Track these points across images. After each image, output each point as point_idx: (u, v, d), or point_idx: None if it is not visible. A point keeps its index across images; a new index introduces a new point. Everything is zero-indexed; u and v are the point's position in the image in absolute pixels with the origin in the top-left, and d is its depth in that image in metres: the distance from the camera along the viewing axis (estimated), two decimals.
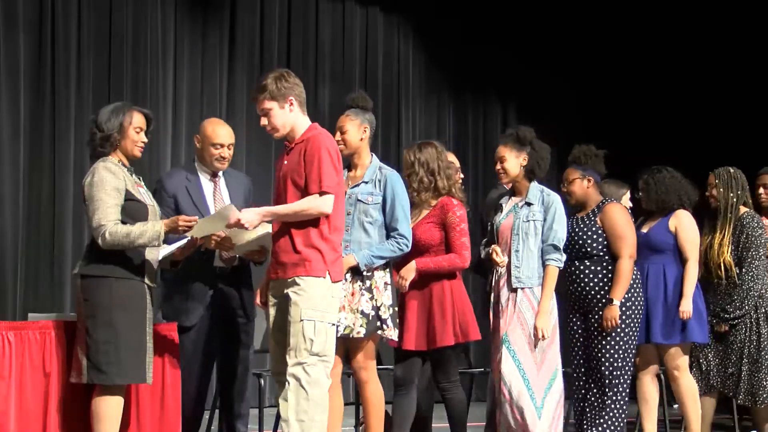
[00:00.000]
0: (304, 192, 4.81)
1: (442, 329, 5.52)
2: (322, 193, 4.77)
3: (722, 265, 6.56)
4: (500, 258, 5.70)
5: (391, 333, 5.32)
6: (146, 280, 4.95)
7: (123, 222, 4.86)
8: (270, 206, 4.93)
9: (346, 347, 5.36)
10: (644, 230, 6.38)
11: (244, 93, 9.31)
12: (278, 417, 6.57)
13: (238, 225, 4.84)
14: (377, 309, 5.27)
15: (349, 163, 5.48)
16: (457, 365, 5.77)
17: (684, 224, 6.32)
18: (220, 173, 5.78)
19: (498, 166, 5.82)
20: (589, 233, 6.00)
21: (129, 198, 4.91)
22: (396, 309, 5.36)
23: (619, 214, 6.03)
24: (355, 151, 5.45)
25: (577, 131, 10.10)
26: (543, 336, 5.54)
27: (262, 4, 9.56)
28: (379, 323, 5.28)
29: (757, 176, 7.08)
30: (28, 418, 4.93)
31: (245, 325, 5.73)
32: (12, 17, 7.95)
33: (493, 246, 5.78)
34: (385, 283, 5.33)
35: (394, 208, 5.35)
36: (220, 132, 5.73)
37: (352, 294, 5.26)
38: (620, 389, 5.92)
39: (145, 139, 5.07)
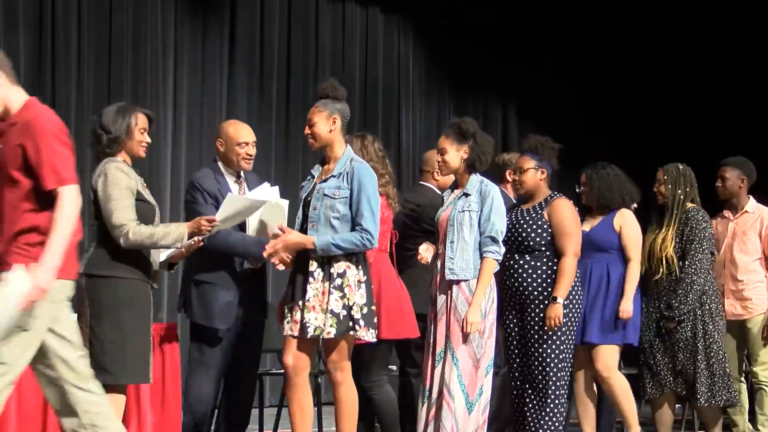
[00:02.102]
0: (32, 186, 3.99)
1: None
2: (61, 188, 3.97)
3: (664, 259, 6.40)
4: (420, 254, 5.62)
5: (364, 333, 5.00)
6: (149, 281, 4.94)
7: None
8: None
9: (318, 348, 5.13)
10: (585, 228, 6.19)
11: (244, 93, 9.32)
12: (278, 417, 6.58)
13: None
14: (349, 309, 4.97)
15: (323, 156, 5.20)
16: (381, 363, 5.50)
17: (628, 223, 6.20)
18: (243, 175, 5.70)
19: (438, 158, 5.63)
20: (534, 227, 5.81)
21: (138, 198, 4.90)
22: (372, 308, 5.05)
23: (567, 209, 5.85)
24: (327, 144, 5.11)
25: (577, 131, 10.14)
26: (470, 330, 5.31)
27: (262, 4, 9.56)
28: (351, 323, 4.97)
29: None
30: (28, 418, 4.93)
31: (262, 324, 5.68)
32: (12, 17, 7.94)
33: (426, 242, 5.68)
34: (359, 281, 5.01)
35: (360, 202, 4.97)
36: (243, 131, 5.65)
37: (323, 293, 4.97)
38: (561, 391, 5.75)
39: (149, 140, 5.07)
